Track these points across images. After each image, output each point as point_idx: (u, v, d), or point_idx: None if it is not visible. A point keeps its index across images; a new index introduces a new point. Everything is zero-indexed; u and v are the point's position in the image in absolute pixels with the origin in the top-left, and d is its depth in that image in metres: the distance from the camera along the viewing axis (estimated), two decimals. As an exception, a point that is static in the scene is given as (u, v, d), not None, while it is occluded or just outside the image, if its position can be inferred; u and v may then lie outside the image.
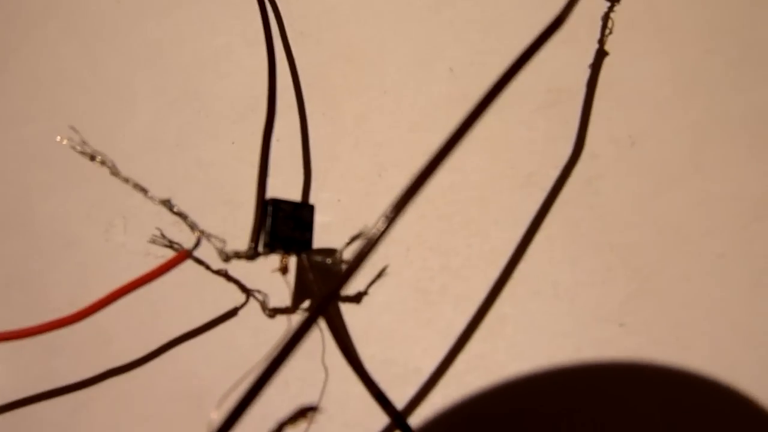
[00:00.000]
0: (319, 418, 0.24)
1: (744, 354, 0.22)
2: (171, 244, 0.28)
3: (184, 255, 0.23)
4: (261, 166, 0.24)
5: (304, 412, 0.24)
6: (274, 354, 0.17)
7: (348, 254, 0.25)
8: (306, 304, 0.26)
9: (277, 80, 0.27)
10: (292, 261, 0.26)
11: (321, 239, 0.27)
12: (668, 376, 0.22)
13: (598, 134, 0.26)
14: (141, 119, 0.33)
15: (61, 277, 0.30)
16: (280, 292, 0.27)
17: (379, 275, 0.26)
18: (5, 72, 0.36)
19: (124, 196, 0.30)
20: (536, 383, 0.24)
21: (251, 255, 0.23)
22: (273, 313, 0.27)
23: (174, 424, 0.26)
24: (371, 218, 0.27)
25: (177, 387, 0.27)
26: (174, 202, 0.24)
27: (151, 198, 0.24)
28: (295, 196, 0.28)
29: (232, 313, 0.27)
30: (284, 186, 0.28)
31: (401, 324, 0.25)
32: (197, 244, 0.23)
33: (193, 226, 0.23)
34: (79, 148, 0.24)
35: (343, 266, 0.26)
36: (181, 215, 0.23)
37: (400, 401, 0.24)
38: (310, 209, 0.24)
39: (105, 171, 0.24)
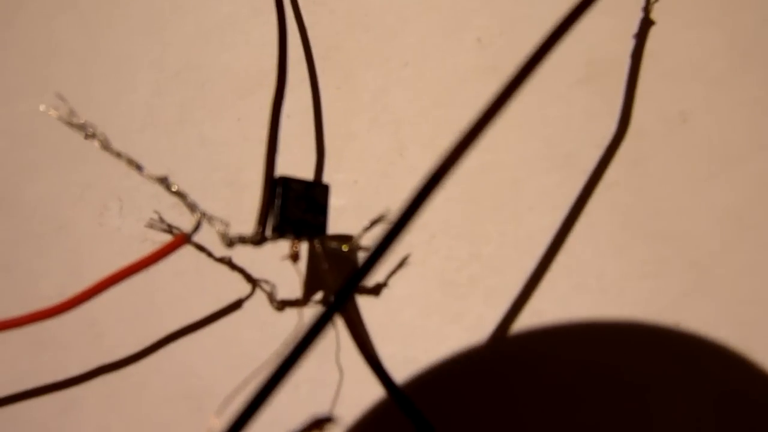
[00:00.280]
0: (334, 427, 0.22)
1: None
2: (170, 229, 0.26)
3: (182, 239, 0.21)
4: (269, 142, 0.22)
5: (318, 424, 0.22)
6: (285, 354, 0.15)
7: (366, 241, 0.23)
8: (318, 295, 0.24)
9: (287, 52, 0.25)
10: (304, 247, 0.24)
11: (335, 224, 0.25)
12: (731, 382, 0.20)
13: (645, 110, 0.24)
14: (140, 94, 0.31)
15: (52, 264, 0.28)
16: (290, 282, 0.25)
17: (401, 265, 0.24)
18: (-5, 43, 0.35)
19: (121, 176, 0.29)
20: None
21: (258, 240, 0.21)
22: (282, 305, 0.25)
23: (170, 428, 0.24)
24: (390, 201, 0.25)
25: (174, 387, 0.25)
26: (172, 180, 0.22)
27: (147, 176, 0.21)
28: (307, 177, 0.26)
29: (236, 305, 0.25)
30: (295, 166, 0.26)
31: (425, 320, 0.23)
32: (197, 227, 0.21)
33: (192, 207, 0.21)
34: (66, 118, 0.21)
35: (360, 254, 0.24)
36: (179, 195, 0.21)
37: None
38: (325, 189, 0.22)
39: (100, 149, 0.22)
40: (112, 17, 0.33)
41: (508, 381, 0.22)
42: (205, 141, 0.29)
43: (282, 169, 0.22)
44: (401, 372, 0.22)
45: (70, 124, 0.21)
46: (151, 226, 0.27)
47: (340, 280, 0.23)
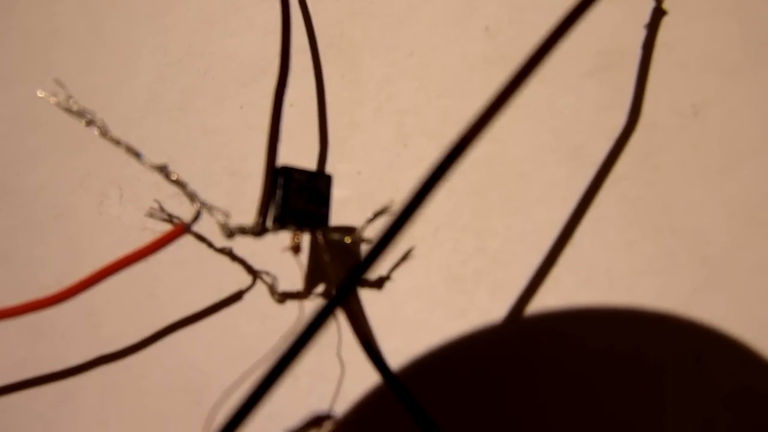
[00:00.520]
0: (334, 424, 0.22)
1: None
2: (170, 218, 0.26)
3: (181, 229, 0.20)
4: (271, 131, 0.22)
5: (318, 422, 0.21)
6: (286, 347, 0.15)
7: (369, 233, 0.22)
8: (320, 288, 0.24)
9: (291, 39, 0.25)
10: (306, 239, 0.24)
11: (338, 216, 0.24)
12: (744, 380, 0.20)
13: (656, 102, 0.23)
14: (141, 80, 0.30)
15: (50, 253, 0.28)
16: (291, 273, 0.24)
17: (404, 258, 0.24)
18: (-4, 28, 0.34)
19: (121, 165, 0.28)
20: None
21: (259, 231, 0.20)
22: (283, 297, 0.24)
23: (169, 421, 0.24)
24: (394, 193, 0.25)
25: (173, 378, 0.24)
26: (172, 169, 0.21)
27: (146, 163, 0.21)
28: (310, 167, 0.26)
29: (236, 296, 0.25)
30: (297, 156, 0.26)
31: (428, 314, 0.23)
32: (197, 217, 0.21)
33: (192, 197, 0.21)
34: (64, 104, 0.21)
35: (363, 246, 0.23)
36: (179, 183, 0.21)
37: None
38: (328, 180, 0.21)
39: (100, 137, 0.22)
40: (114, 2, 0.33)
41: (512, 377, 0.21)
42: (207, 129, 0.28)
43: (284, 159, 0.21)
44: (404, 367, 0.22)
45: (68, 110, 0.21)
46: (151, 215, 0.26)
47: (343, 273, 0.23)
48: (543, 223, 0.23)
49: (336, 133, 0.27)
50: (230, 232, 0.20)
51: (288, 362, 0.15)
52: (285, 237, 0.23)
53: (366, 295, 0.23)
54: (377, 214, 0.22)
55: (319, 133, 0.27)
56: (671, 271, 0.21)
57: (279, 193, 0.20)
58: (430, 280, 0.23)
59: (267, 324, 0.24)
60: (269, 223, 0.20)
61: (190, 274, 0.26)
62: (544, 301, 0.22)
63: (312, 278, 0.24)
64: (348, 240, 0.22)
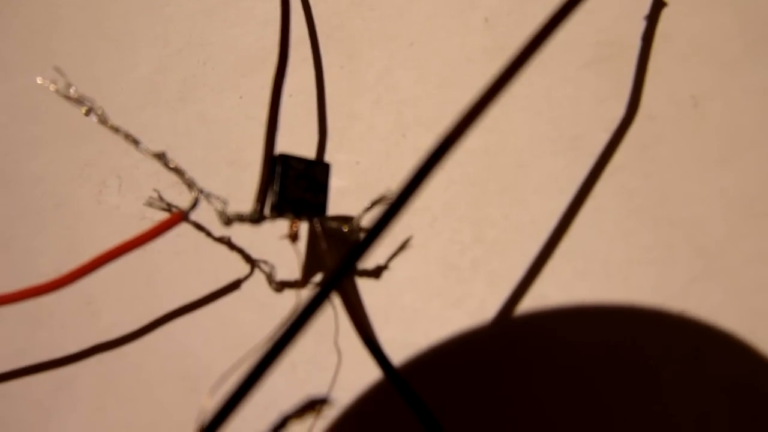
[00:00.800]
0: (330, 409, 0.22)
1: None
2: (169, 207, 0.26)
3: (179, 216, 0.20)
4: (269, 120, 0.22)
5: (313, 405, 0.21)
6: (280, 333, 0.15)
7: (367, 222, 0.22)
8: (318, 277, 0.24)
9: (290, 29, 0.25)
10: (303, 227, 0.24)
11: (336, 205, 0.24)
12: (740, 372, 0.20)
13: (655, 94, 0.23)
14: (141, 70, 0.30)
15: (49, 241, 0.28)
16: (289, 262, 0.24)
17: (402, 247, 0.23)
18: (-4, 17, 0.34)
19: (120, 154, 0.28)
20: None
21: (256, 218, 0.20)
22: (280, 286, 0.24)
23: (166, 408, 0.24)
24: (393, 183, 0.25)
25: (171, 367, 0.24)
26: (171, 156, 0.21)
27: (144, 150, 0.21)
28: (309, 157, 0.26)
29: (234, 285, 0.25)
30: (296, 146, 0.25)
31: (426, 303, 0.23)
32: (195, 205, 0.21)
33: (190, 184, 0.21)
34: (63, 92, 0.21)
35: (361, 235, 0.23)
36: (177, 171, 0.21)
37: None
38: (326, 168, 0.21)
39: (100, 126, 0.22)
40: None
41: (509, 366, 0.21)
42: (206, 119, 0.28)
43: (283, 147, 0.21)
44: (400, 356, 0.22)
45: (67, 98, 0.21)
46: (150, 204, 0.26)
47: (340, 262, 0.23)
48: (541, 214, 0.23)
49: (335, 123, 0.26)
50: (228, 220, 0.20)
51: (282, 348, 0.15)
52: (283, 226, 0.23)
53: (363, 285, 0.23)
54: (375, 203, 0.22)
55: (318, 123, 0.27)
56: (668, 261, 0.21)
57: (277, 180, 0.20)
58: (427, 269, 0.23)
59: (264, 312, 0.24)
60: (267, 210, 0.20)
61: (188, 263, 0.26)
62: (541, 291, 0.22)
63: (309, 267, 0.24)
64: (346, 228, 0.22)
